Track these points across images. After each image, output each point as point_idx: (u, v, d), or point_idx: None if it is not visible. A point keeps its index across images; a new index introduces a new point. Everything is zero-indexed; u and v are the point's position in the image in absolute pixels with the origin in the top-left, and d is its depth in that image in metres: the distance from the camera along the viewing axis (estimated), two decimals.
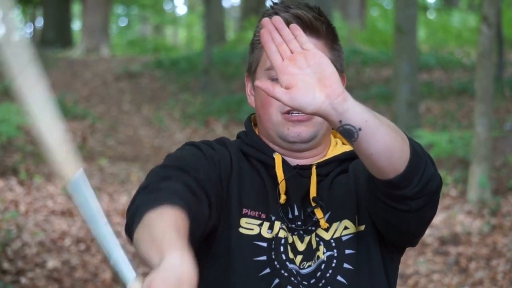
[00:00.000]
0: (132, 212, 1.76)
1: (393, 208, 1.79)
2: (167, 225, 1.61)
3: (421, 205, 1.79)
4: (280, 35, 1.66)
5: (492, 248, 6.79)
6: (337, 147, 2.02)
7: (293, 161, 1.97)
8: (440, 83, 14.67)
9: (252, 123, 2.05)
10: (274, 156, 1.95)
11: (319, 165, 1.95)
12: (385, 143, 1.67)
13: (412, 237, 1.93)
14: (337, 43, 1.98)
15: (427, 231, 7.24)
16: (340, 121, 1.64)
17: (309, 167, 1.94)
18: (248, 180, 1.94)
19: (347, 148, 2.01)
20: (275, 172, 1.94)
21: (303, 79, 1.63)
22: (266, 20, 1.67)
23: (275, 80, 1.90)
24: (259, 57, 1.96)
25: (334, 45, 1.97)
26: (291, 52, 1.65)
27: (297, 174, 1.94)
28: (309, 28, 1.91)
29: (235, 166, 1.94)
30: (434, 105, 13.13)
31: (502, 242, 6.89)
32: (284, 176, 1.93)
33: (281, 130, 1.93)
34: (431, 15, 27.50)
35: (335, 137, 2.06)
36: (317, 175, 1.94)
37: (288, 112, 1.91)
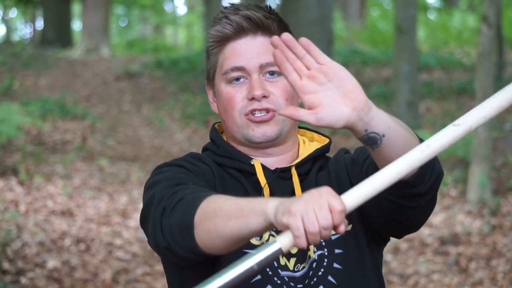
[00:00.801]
0: (178, 222, 1.73)
1: (402, 206, 1.81)
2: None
3: (428, 200, 1.81)
4: (293, 52, 1.62)
5: (492, 248, 6.79)
6: (307, 145, 2.03)
7: (265, 161, 1.97)
8: (440, 83, 14.67)
9: (220, 133, 2.05)
10: (253, 163, 1.95)
11: (297, 166, 1.96)
12: (404, 146, 1.69)
13: (412, 230, 1.95)
14: None
15: (427, 231, 7.24)
16: (366, 130, 1.64)
17: (288, 169, 1.95)
18: (231, 190, 1.94)
19: (317, 145, 2.03)
20: (255, 179, 1.95)
21: (326, 95, 1.61)
22: (276, 39, 1.62)
23: (233, 82, 1.93)
24: (216, 63, 1.97)
25: None
26: (307, 68, 1.62)
27: (278, 177, 1.95)
28: (260, 28, 1.93)
29: (217, 178, 1.94)
30: (434, 105, 13.14)
31: (502, 242, 6.89)
32: (266, 180, 1.94)
33: (246, 132, 1.93)
34: (431, 15, 27.49)
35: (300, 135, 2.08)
36: (298, 175, 1.95)
37: (250, 113, 1.92)
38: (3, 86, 14.68)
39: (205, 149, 2.05)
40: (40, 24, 26.56)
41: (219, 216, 1.64)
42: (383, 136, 1.65)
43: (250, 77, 1.92)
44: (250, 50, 1.92)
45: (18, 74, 16.33)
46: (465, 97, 13.43)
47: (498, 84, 12.70)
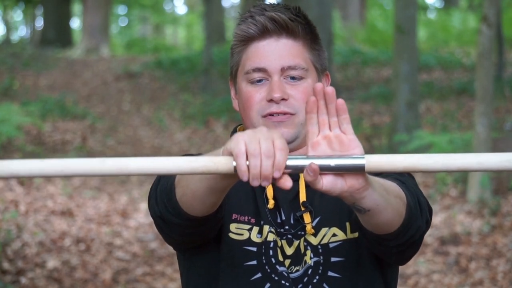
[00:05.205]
0: (164, 186, 1.82)
1: (374, 245, 1.84)
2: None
3: (402, 249, 1.83)
4: (326, 107, 1.59)
5: (492, 248, 6.79)
6: None
7: None
8: (440, 83, 14.67)
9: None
10: None
11: None
12: (387, 218, 1.72)
13: (394, 264, 1.97)
14: (317, 42, 1.98)
15: (427, 231, 7.24)
16: (353, 203, 1.65)
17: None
18: (237, 186, 1.92)
19: None
20: None
21: None
22: (319, 86, 1.59)
23: (254, 83, 1.93)
24: (239, 62, 1.97)
25: (314, 44, 1.97)
26: (329, 126, 1.60)
27: None
28: (284, 30, 1.93)
29: None
30: (434, 105, 13.14)
31: (502, 242, 6.89)
32: None
33: None
34: (431, 15, 27.49)
35: None
36: None
37: (268, 115, 1.92)
38: (3, 86, 14.68)
39: None
40: (40, 24, 26.56)
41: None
42: (368, 210, 1.67)
43: (271, 79, 1.92)
44: (272, 52, 1.92)
45: (18, 74, 16.33)
46: (465, 97, 13.43)
47: (498, 84, 12.71)
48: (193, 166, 1.53)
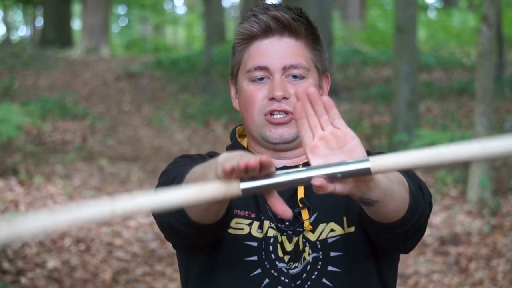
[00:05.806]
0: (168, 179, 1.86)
1: (381, 235, 1.84)
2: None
3: (409, 235, 1.84)
4: (313, 108, 1.58)
5: (492, 248, 6.79)
6: None
7: (280, 162, 1.98)
8: (440, 83, 14.67)
9: (237, 135, 2.07)
10: None
11: (304, 165, 1.96)
12: (394, 206, 1.73)
13: (401, 252, 1.97)
14: (319, 42, 1.99)
15: (427, 231, 7.24)
16: (361, 197, 1.65)
17: (295, 167, 1.95)
18: None
19: None
20: None
21: (333, 161, 1.58)
22: (300, 91, 1.59)
23: (255, 81, 1.94)
24: (240, 60, 1.98)
25: (315, 45, 1.98)
26: (322, 128, 1.59)
27: None
28: (287, 29, 1.94)
29: None
30: (434, 105, 13.14)
31: (502, 242, 6.89)
32: None
33: (263, 132, 1.94)
34: (431, 15, 27.49)
35: None
36: None
37: (269, 114, 1.93)
38: (3, 86, 14.68)
39: (226, 149, 2.07)
40: (40, 24, 26.55)
41: (191, 180, 1.69)
42: (377, 201, 1.67)
43: (273, 77, 1.93)
44: (275, 50, 1.93)
45: (18, 74, 16.33)
46: (465, 97, 13.43)
47: (498, 84, 12.71)
48: (202, 196, 1.53)
